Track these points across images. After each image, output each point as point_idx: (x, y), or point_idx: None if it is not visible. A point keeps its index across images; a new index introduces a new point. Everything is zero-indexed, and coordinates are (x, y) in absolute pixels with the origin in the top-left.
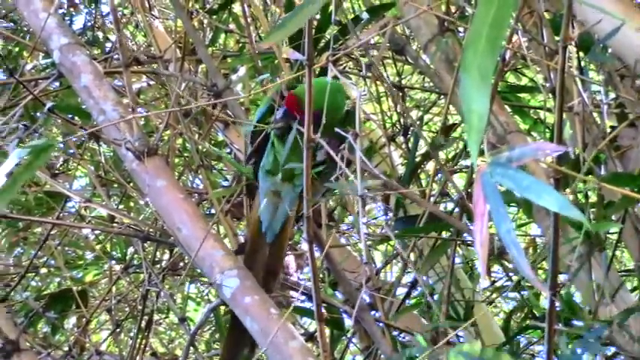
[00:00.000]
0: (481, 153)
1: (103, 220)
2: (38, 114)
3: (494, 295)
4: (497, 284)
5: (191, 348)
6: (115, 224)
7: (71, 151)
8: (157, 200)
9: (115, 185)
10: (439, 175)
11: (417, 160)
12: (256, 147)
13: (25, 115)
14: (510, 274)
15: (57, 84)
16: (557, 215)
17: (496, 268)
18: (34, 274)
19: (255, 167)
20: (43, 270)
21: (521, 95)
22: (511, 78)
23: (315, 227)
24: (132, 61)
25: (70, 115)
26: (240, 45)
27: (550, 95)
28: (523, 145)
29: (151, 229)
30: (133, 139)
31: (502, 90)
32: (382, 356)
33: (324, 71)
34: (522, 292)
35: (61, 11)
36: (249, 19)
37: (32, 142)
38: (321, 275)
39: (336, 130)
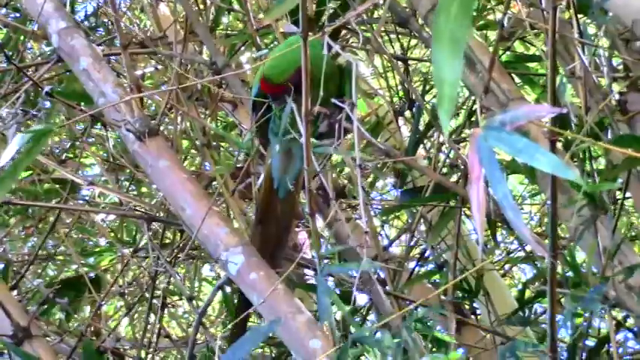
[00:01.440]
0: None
1: (114, 206)
2: (39, 99)
3: (508, 266)
4: (513, 255)
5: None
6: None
7: (82, 138)
8: (160, 181)
9: (128, 171)
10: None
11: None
12: (261, 115)
13: (28, 102)
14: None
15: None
16: (555, 177)
17: (511, 239)
18: (48, 262)
19: (263, 130)
20: (60, 258)
21: (531, 65)
22: (520, 48)
23: (319, 201)
24: (130, 42)
25: (74, 101)
26: (243, 23)
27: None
28: (516, 108)
29: (156, 211)
30: (133, 120)
31: (509, 60)
32: None
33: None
34: (536, 262)
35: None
36: None
37: (32, 128)
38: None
39: (332, 100)
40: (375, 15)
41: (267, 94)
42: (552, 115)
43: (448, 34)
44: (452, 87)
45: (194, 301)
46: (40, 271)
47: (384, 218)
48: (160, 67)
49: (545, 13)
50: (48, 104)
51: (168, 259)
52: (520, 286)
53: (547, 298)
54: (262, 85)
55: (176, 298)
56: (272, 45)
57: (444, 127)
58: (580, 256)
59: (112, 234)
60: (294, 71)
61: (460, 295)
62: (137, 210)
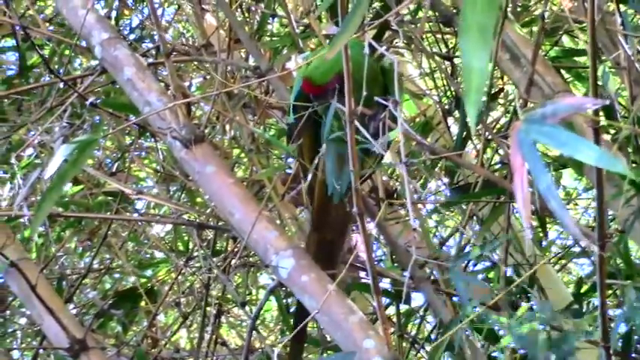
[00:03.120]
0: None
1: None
2: (84, 111)
3: (565, 262)
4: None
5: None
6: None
7: (130, 150)
8: (208, 187)
9: (180, 181)
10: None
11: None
12: (306, 122)
13: (74, 115)
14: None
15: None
16: (600, 168)
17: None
18: (103, 275)
19: (304, 133)
20: (116, 270)
21: (580, 59)
22: (570, 44)
23: (367, 200)
24: (172, 50)
25: (121, 112)
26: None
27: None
28: (556, 101)
29: (207, 218)
30: (178, 127)
31: (557, 55)
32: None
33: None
34: (592, 257)
35: (114, 12)
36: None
37: (77, 139)
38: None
39: (376, 99)
40: (420, 14)
41: (308, 95)
42: (595, 106)
43: (475, 25)
44: (480, 76)
45: (247, 307)
46: (97, 284)
47: (437, 218)
48: (208, 77)
49: (585, 4)
50: (97, 117)
51: (221, 267)
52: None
53: (597, 288)
54: (304, 86)
55: (231, 305)
56: (316, 48)
57: (470, 118)
58: (633, 247)
59: (166, 245)
60: (336, 73)
61: (514, 291)
62: (188, 218)
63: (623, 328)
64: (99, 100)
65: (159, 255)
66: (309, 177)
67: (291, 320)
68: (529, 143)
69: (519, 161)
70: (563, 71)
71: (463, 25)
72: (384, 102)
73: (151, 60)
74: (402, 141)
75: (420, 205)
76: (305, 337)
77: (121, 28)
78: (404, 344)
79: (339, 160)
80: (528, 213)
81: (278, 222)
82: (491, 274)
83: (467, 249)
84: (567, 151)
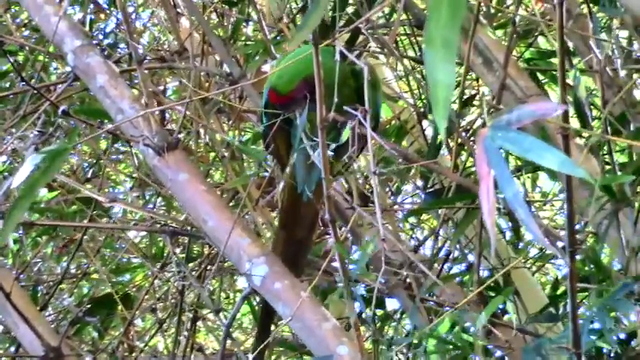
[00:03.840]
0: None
1: (140, 222)
2: (57, 119)
3: (541, 263)
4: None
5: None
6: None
7: (103, 157)
8: (181, 194)
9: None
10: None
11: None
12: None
13: (48, 122)
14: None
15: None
16: (570, 176)
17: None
18: (79, 281)
19: (276, 138)
20: (94, 276)
21: (555, 61)
22: (546, 45)
23: (340, 206)
24: (144, 58)
25: (96, 119)
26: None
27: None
28: (521, 107)
29: (182, 225)
30: (151, 135)
31: (532, 57)
32: None
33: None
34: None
35: (89, 17)
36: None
37: (48, 147)
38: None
39: (345, 108)
40: (394, 17)
41: (275, 104)
42: (558, 112)
43: (439, 38)
44: (446, 90)
45: (223, 313)
46: (74, 289)
47: (413, 221)
48: (184, 80)
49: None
50: (73, 122)
51: (197, 273)
52: (553, 283)
53: (568, 295)
54: (270, 97)
55: (208, 311)
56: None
57: (440, 131)
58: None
59: (142, 250)
60: (301, 81)
61: (489, 294)
62: (162, 224)
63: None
64: (73, 106)
65: (136, 259)
66: (282, 181)
67: (260, 321)
68: (495, 150)
69: (485, 169)
70: (538, 73)
71: (427, 39)
72: (353, 111)
73: (124, 67)
74: (372, 151)
75: (395, 208)
76: (268, 337)
77: (96, 32)
78: (381, 347)
79: (308, 161)
80: (493, 222)
81: (253, 227)
82: (467, 277)
83: (442, 252)
84: (532, 157)
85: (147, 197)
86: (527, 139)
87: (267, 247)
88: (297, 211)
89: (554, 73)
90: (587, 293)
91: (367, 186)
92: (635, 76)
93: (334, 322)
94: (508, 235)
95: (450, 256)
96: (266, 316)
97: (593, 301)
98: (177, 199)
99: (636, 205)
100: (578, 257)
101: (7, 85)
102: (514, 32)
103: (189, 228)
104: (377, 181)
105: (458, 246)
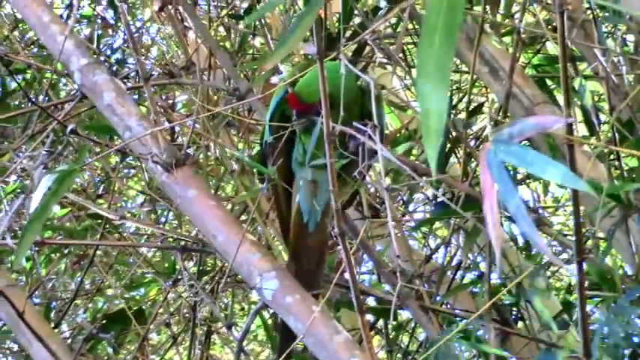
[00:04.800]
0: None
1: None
2: (65, 137)
3: (557, 268)
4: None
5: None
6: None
7: (112, 174)
8: (190, 210)
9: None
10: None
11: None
12: (282, 142)
13: (57, 140)
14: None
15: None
16: (576, 189)
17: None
18: (92, 297)
19: (285, 164)
20: (109, 291)
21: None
22: (554, 50)
23: (349, 220)
24: (150, 75)
25: (106, 135)
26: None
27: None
28: (523, 120)
29: (192, 241)
30: (160, 152)
31: (540, 62)
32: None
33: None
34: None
35: (96, 32)
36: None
37: (58, 169)
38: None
39: (354, 124)
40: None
41: (293, 109)
42: (559, 125)
43: (432, 63)
44: (438, 119)
45: (235, 328)
46: (89, 304)
47: (426, 229)
48: (192, 96)
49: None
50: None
51: (209, 287)
52: (566, 289)
53: (577, 303)
54: (291, 100)
55: (222, 325)
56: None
57: (431, 162)
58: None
59: (154, 265)
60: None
61: (502, 303)
62: (173, 239)
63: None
64: (82, 123)
65: (150, 273)
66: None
67: (277, 339)
68: (498, 163)
69: (489, 183)
70: (547, 79)
71: (419, 64)
72: (362, 127)
73: (132, 83)
74: (382, 167)
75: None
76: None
77: (104, 47)
78: (398, 355)
79: (312, 186)
80: (497, 235)
81: (264, 240)
82: (480, 285)
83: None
84: (534, 170)
85: (158, 211)
86: (529, 152)
87: (278, 262)
88: (305, 241)
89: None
90: (600, 299)
91: (377, 198)
92: None
93: (346, 335)
94: (520, 240)
95: (462, 265)
96: (286, 333)
97: (603, 311)
98: (186, 214)
99: None
100: (588, 265)
101: (16, 102)
102: (519, 41)
103: (199, 243)
104: (388, 197)
105: (467, 254)
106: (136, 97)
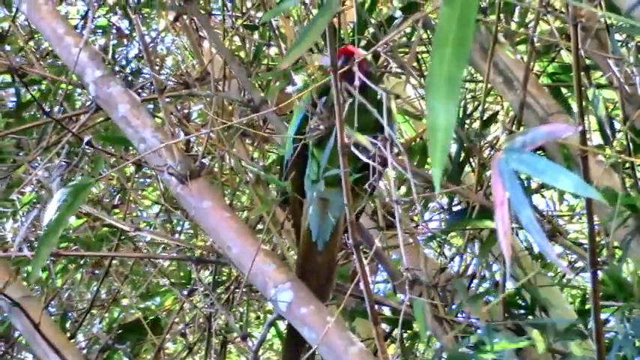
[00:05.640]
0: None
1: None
2: (80, 149)
3: (572, 278)
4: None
5: None
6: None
7: (127, 185)
8: (205, 221)
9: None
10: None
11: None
12: (297, 157)
13: (72, 152)
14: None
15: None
16: (589, 199)
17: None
18: (108, 307)
19: (299, 178)
20: (124, 300)
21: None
22: (567, 58)
23: (364, 230)
24: (167, 84)
25: (121, 145)
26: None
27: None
28: (535, 129)
29: (208, 252)
30: (174, 163)
31: (555, 71)
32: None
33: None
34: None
35: (112, 42)
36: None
37: (73, 182)
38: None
39: (366, 137)
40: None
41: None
42: (570, 133)
43: (444, 75)
44: (445, 134)
45: (249, 339)
46: (105, 314)
47: (442, 236)
48: (206, 108)
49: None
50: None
51: (225, 296)
52: (582, 298)
53: (592, 315)
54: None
55: (236, 335)
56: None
57: (435, 179)
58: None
59: (169, 276)
60: None
61: (516, 312)
62: (188, 250)
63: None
64: (97, 133)
65: (166, 281)
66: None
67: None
68: (510, 173)
69: (500, 192)
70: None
71: (429, 79)
72: (374, 140)
73: (147, 94)
74: (393, 179)
75: (420, 230)
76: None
77: (119, 57)
78: None
79: (323, 204)
80: (508, 244)
81: (279, 251)
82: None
83: (469, 271)
84: (547, 179)
85: (174, 221)
86: (541, 161)
87: (293, 273)
88: (313, 261)
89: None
90: (616, 308)
91: (392, 208)
92: None
93: (361, 346)
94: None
95: (477, 275)
96: (292, 341)
97: (619, 326)
98: (201, 226)
99: None
100: (602, 275)
101: (32, 113)
102: (532, 51)
103: (214, 254)
104: (399, 209)
105: (482, 264)
106: (151, 107)
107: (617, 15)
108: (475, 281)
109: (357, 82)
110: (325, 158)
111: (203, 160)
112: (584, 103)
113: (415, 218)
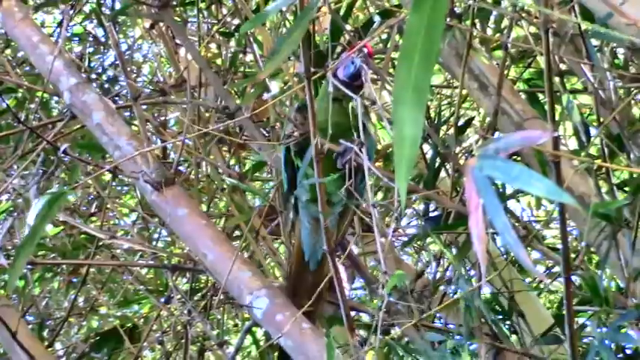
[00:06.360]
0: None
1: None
2: (55, 158)
3: (548, 284)
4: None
5: None
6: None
7: (103, 192)
8: (180, 229)
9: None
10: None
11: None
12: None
13: (48, 160)
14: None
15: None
16: (562, 204)
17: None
18: (86, 315)
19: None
20: (102, 308)
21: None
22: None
23: (343, 240)
24: (140, 94)
25: (97, 153)
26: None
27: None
28: (509, 135)
29: (184, 259)
30: (149, 171)
31: (531, 76)
32: None
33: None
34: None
35: (88, 50)
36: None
37: (50, 190)
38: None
39: (340, 141)
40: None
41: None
42: (545, 139)
43: (411, 85)
44: (412, 145)
45: (226, 347)
46: (83, 322)
47: (418, 244)
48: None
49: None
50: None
51: (200, 306)
52: (559, 303)
53: (565, 320)
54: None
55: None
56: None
57: (401, 192)
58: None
59: (146, 283)
60: None
61: (493, 318)
62: (164, 258)
63: None
64: (74, 141)
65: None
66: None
67: (266, 356)
68: (483, 179)
69: (474, 198)
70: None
71: (396, 89)
72: (348, 144)
73: (124, 101)
74: (369, 183)
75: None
76: None
77: (96, 65)
78: None
79: (315, 225)
80: (484, 250)
81: (250, 260)
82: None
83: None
84: (520, 185)
85: (151, 229)
86: (514, 167)
87: (268, 280)
88: (305, 280)
89: (554, 92)
90: (592, 313)
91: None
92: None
93: (336, 353)
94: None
95: (453, 280)
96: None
97: (597, 332)
98: (177, 233)
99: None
100: (578, 280)
101: (9, 121)
102: (507, 57)
103: (191, 262)
104: (375, 213)
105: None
106: (128, 114)
107: (592, 20)
108: (452, 287)
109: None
110: (304, 165)
111: (179, 168)
112: (559, 109)
113: (392, 224)
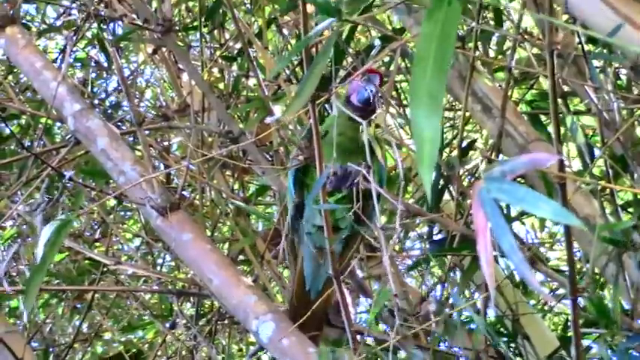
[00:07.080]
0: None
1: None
2: (60, 184)
3: (553, 306)
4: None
5: None
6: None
7: (107, 218)
8: (185, 254)
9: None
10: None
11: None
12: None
13: (52, 186)
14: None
15: None
16: (568, 227)
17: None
18: (91, 341)
19: (297, 224)
20: (107, 334)
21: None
22: (547, 85)
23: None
24: (144, 120)
25: (102, 179)
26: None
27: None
28: (516, 158)
29: (189, 284)
30: (154, 196)
31: (534, 98)
32: None
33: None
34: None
35: (91, 75)
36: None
37: (56, 217)
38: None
39: (339, 165)
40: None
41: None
42: (551, 162)
43: (425, 91)
44: (432, 145)
45: None
46: (88, 347)
47: (422, 267)
48: (186, 140)
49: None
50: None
51: (205, 330)
52: (564, 325)
53: (573, 342)
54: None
55: None
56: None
57: (425, 185)
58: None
59: (151, 307)
60: None
61: (499, 340)
62: (169, 283)
63: None
64: (78, 167)
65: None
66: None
67: None
68: (490, 201)
69: (482, 221)
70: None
71: (412, 92)
72: (356, 167)
73: (127, 126)
74: (378, 208)
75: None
76: None
77: (99, 90)
78: None
79: (318, 253)
80: (492, 272)
81: (261, 282)
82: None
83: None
84: (526, 207)
85: (155, 254)
86: (520, 189)
87: (274, 304)
88: (306, 309)
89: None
90: (598, 335)
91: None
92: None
93: None
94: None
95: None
96: None
97: (602, 353)
98: (182, 258)
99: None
100: (584, 301)
101: (13, 147)
102: (510, 78)
103: (196, 287)
104: (383, 236)
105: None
106: (131, 139)
107: (595, 41)
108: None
109: (334, 112)
110: (315, 190)
111: (184, 193)
112: (562, 130)
113: (396, 247)
